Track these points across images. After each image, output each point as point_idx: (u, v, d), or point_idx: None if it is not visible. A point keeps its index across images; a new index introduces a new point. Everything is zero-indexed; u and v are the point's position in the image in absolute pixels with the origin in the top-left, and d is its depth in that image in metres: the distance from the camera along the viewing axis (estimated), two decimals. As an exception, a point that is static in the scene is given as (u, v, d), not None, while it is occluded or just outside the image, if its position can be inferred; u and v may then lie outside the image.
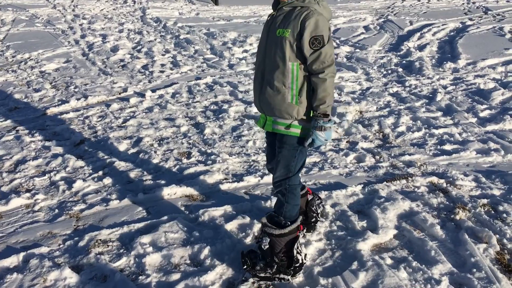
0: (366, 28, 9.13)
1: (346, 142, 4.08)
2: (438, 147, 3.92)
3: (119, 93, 5.40)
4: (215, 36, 8.39)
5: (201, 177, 3.43)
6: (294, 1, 2.21)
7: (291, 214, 2.41)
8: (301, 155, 2.38)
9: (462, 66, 6.27)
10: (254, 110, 4.78)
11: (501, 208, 2.93)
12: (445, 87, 5.44)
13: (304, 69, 2.20)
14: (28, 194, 3.21)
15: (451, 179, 3.34)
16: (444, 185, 3.27)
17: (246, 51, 7.36)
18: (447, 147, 3.90)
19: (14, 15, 10.66)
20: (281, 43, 2.19)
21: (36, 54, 7.13)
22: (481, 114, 4.57)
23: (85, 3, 12.78)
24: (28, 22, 9.84)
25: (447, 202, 3.05)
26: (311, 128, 2.23)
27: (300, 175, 2.50)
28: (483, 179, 3.33)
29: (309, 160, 3.71)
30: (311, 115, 2.25)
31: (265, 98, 2.31)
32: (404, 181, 3.35)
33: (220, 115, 4.68)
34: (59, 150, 3.92)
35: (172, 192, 3.25)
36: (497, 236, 2.66)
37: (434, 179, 3.35)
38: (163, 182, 3.39)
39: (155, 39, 8.25)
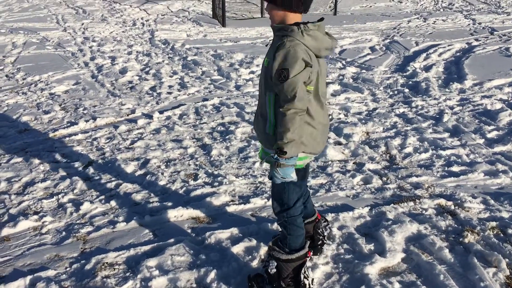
0: (372, 49, 9.18)
1: (353, 163, 4.08)
2: (446, 168, 3.90)
3: (127, 115, 5.45)
4: (222, 58, 8.47)
5: (208, 199, 3.43)
6: (280, 28, 2.16)
7: (295, 244, 2.38)
8: (291, 186, 2.30)
9: (469, 86, 6.27)
10: (260, 131, 4.79)
11: (510, 231, 2.91)
12: (452, 108, 5.43)
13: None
14: (36, 217, 3.23)
15: (459, 201, 3.32)
16: (452, 207, 3.25)
17: (252, 72, 7.42)
18: (455, 168, 3.89)
19: (25, 38, 10.85)
20: (264, 72, 2.19)
21: (46, 76, 7.23)
22: (489, 135, 4.56)
23: (95, 25, 12.99)
24: (39, 45, 10.00)
25: (456, 225, 3.02)
26: (272, 163, 2.16)
27: (301, 205, 2.45)
28: (492, 202, 3.31)
29: (315, 181, 3.71)
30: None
31: (256, 126, 2.36)
32: (411, 203, 3.33)
33: (227, 136, 4.70)
34: (67, 172, 3.95)
35: (178, 214, 3.26)
36: (507, 260, 2.63)
37: (442, 201, 3.33)
38: (169, 204, 3.40)
39: (163, 61, 8.34)
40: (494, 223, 3.00)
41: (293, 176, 2.16)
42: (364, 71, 7.39)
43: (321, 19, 2.23)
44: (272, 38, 2.28)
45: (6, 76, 7.35)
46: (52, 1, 18.75)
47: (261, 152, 2.39)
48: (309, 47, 2.11)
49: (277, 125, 2.11)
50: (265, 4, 2.22)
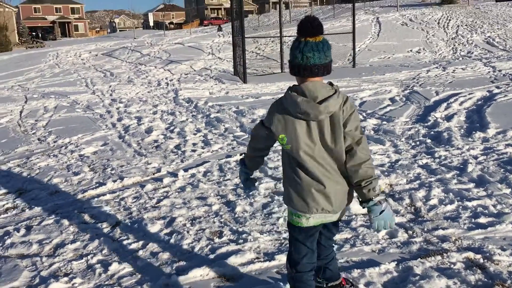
0: (392, 100, 9.28)
1: (378, 217, 4.06)
2: (473, 220, 3.85)
3: (153, 174, 5.59)
4: (244, 114, 8.68)
5: (233, 256, 3.45)
6: None
7: None
8: (298, 243, 2.41)
9: (492, 135, 6.25)
10: (284, 186, 4.85)
11: (542, 284, 2.83)
12: (475, 158, 5.41)
13: (284, 153, 2.40)
14: (66, 279, 3.30)
15: (488, 254, 3.26)
16: (481, 260, 3.19)
17: (275, 127, 7.55)
18: (482, 220, 3.83)
19: (56, 102, 11.36)
20: None
21: (76, 138, 7.52)
22: (515, 184, 4.50)
23: (122, 87, 13.53)
24: (69, 108, 10.45)
25: (485, 279, 2.96)
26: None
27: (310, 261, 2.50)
28: (522, 254, 3.24)
29: (340, 236, 3.70)
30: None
31: None
32: (439, 257, 3.28)
33: (251, 193, 4.76)
34: (96, 232, 4.04)
35: (204, 273, 3.28)
36: (541, 315, 2.55)
37: (470, 254, 3.28)
38: (195, 262, 3.43)
39: (187, 119, 8.59)
40: (525, 276, 2.93)
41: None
42: (385, 122, 7.45)
43: (331, 83, 2.33)
44: None
45: (38, 139, 7.67)
46: (82, 65, 19.69)
47: None
48: (285, 106, 2.30)
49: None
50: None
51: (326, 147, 2.29)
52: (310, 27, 2.25)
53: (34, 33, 55.86)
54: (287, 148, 2.31)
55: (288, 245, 2.54)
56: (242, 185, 2.60)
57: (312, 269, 2.47)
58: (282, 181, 2.50)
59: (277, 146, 6.56)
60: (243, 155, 2.70)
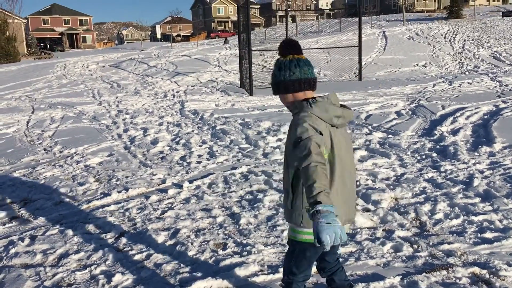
0: (398, 113, 9.27)
1: (382, 230, 4.05)
2: (479, 235, 3.82)
3: (158, 185, 5.59)
4: (250, 126, 8.69)
5: (237, 269, 3.44)
6: (294, 108, 2.38)
7: None
8: (300, 258, 2.45)
9: (498, 150, 6.22)
10: (288, 199, 4.84)
11: (550, 301, 2.80)
12: (481, 172, 5.38)
13: (299, 175, 2.28)
14: (69, 289, 3.29)
15: (493, 269, 3.23)
16: (487, 276, 3.16)
17: (280, 139, 7.56)
18: (488, 235, 3.80)
19: (63, 113, 11.43)
20: (285, 151, 2.42)
21: (82, 149, 7.55)
22: (522, 199, 4.47)
23: (128, 98, 13.60)
24: (75, 119, 10.51)
25: (491, 295, 2.93)
26: (314, 224, 1.94)
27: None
28: (528, 269, 3.20)
29: (344, 250, 3.68)
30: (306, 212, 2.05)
31: (283, 202, 2.52)
32: (444, 272, 3.26)
33: (255, 205, 4.75)
34: (100, 243, 4.04)
35: (208, 285, 3.27)
36: (548, 332, 2.51)
37: (476, 269, 3.25)
38: (199, 274, 3.41)
39: (193, 131, 8.61)
40: (532, 293, 2.90)
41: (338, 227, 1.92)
42: (390, 136, 7.44)
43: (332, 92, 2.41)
44: None
45: (44, 149, 7.71)
46: (89, 77, 19.84)
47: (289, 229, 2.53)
48: (319, 117, 2.27)
49: (304, 183, 2.07)
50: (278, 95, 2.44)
51: (349, 155, 2.41)
52: (295, 46, 2.37)
53: (42, 44, 56.50)
54: (325, 156, 2.25)
55: (286, 256, 2.56)
56: (342, 240, 1.91)
57: (305, 280, 2.56)
58: (295, 198, 2.32)
59: (276, 157, 6.50)
60: (319, 204, 1.95)
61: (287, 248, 3.75)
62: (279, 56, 2.39)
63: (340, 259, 3.50)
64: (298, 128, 2.20)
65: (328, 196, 1.98)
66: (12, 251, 3.94)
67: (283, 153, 6.75)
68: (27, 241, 4.12)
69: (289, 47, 2.36)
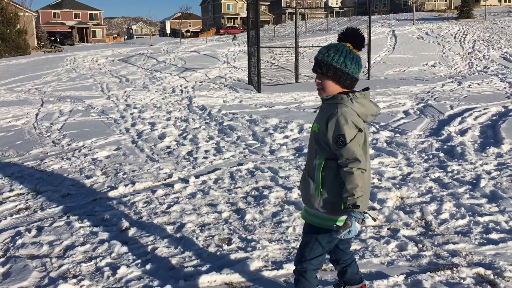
0: (406, 113, 9.24)
1: (387, 229, 4.04)
2: (484, 235, 3.81)
3: (165, 179, 5.62)
4: (257, 123, 8.70)
5: (241, 264, 3.45)
6: (330, 97, 2.38)
7: None
8: (316, 244, 2.46)
9: (506, 151, 6.18)
10: (294, 196, 4.85)
11: (554, 303, 2.78)
12: (489, 173, 5.35)
13: (332, 164, 2.34)
14: (74, 280, 3.33)
15: (498, 270, 3.22)
16: (492, 276, 3.15)
17: (287, 137, 7.56)
18: (494, 235, 3.79)
19: (72, 106, 11.50)
20: (314, 137, 2.41)
21: (90, 142, 7.60)
22: (528, 201, 4.44)
23: (136, 93, 13.65)
24: (84, 112, 10.57)
25: (495, 296, 2.92)
26: (350, 219, 2.29)
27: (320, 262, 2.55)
28: (534, 271, 3.19)
29: (349, 248, 3.68)
30: (342, 207, 2.35)
31: (302, 186, 2.52)
32: (449, 272, 3.25)
33: (261, 201, 4.76)
34: (106, 235, 4.07)
35: (212, 280, 3.29)
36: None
37: (481, 270, 3.24)
38: (204, 269, 3.43)
39: (200, 126, 8.63)
40: (537, 294, 2.89)
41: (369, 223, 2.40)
42: (398, 135, 7.42)
43: (367, 88, 2.44)
44: (320, 106, 2.50)
45: (53, 142, 7.77)
46: (98, 71, 19.93)
47: (304, 212, 2.56)
48: (358, 113, 2.31)
49: (346, 184, 2.28)
50: (316, 76, 2.43)
51: (368, 152, 2.46)
52: (363, 40, 2.46)
53: (52, 38, 56.73)
54: None
55: (301, 244, 2.58)
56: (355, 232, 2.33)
57: (317, 269, 2.56)
58: (323, 186, 2.37)
59: (283, 154, 6.49)
60: (357, 209, 2.29)
61: (292, 244, 3.78)
62: (349, 46, 2.39)
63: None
64: (341, 124, 2.25)
65: (364, 202, 2.29)
66: (19, 241, 3.98)
67: (289, 150, 6.79)
68: (34, 232, 4.16)
69: (362, 43, 2.42)
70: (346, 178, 2.27)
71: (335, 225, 2.37)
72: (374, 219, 2.46)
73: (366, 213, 2.30)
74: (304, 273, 2.51)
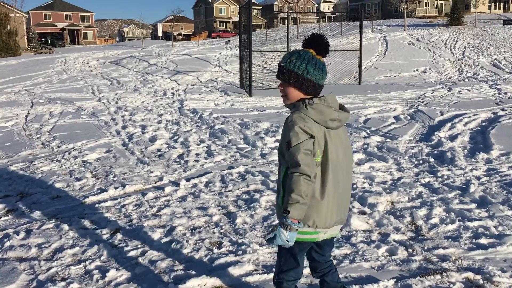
0: (397, 118, 9.29)
1: (378, 233, 4.05)
2: (473, 240, 3.83)
3: (155, 182, 5.59)
4: (248, 126, 8.70)
5: (231, 267, 3.44)
6: (291, 105, 2.37)
7: None
8: (288, 255, 2.45)
9: (496, 156, 6.24)
10: (285, 200, 4.84)
11: (542, 307, 2.80)
12: (478, 178, 5.39)
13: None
14: (63, 283, 3.29)
15: (487, 275, 3.24)
16: (481, 281, 3.17)
17: (278, 140, 7.56)
18: (483, 240, 3.81)
19: (62, 108, 11.42)
20: (279, 148, 2.42)
21: (80, 144, 7.55)
22: (517, 206, 4.48)
23: (127, 96, 13.59)
24: (74, 114, 10.50)
25: (484, 300, 2.93)
26: (278, 224, 2.26)
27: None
28: (522, 276, 3.21)
29: (339, 251, 3.69)
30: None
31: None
32: (438, 276, 3.27)
33: (252, 205, 4.75)
34: (96, 238, 4.04)
35: (202, 283, 3.27)
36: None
37: (470, 275, 3.26)
38: (193, 272, 3.41)
39: (191, 129, 8.61)
40: (525, 299, 2.91)
41: (293, 242, 2.25)
42: (388, 140, 7.46)
43: (330, 94, 2.39)
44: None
45: (42, 144, 7.71)
46: (89, 73, 19.83)
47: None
48: (314, 119, 2.26)
49: (285, 187, 2.25)
50: (280, 83, 2.40)
51: (347, 155, 2.42)
52: (326, 46, 2.35)
53: (43, 39, 56.43)
54: (317, 160, 2.28)
55: (278, 256, 2.57)
56: (288, 244, 2.24)
57: (295, 279, 2.55)
58: (284, 197, 2.31)
59: (274, 158, 6.53)
60: (293, 223, 2.21)
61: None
62: (312, 52, 2.32)
63: (334, 261, 3.51)
64: (289, 131, 2.23)
65: (299, 209, 2.18)
66: (7, 244, 3.93)
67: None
68: (22, 234, 4.11)
69: (326, 49, 2.34)
70: (286, 183, 2.23)
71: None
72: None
73: (299, 224, 2.21)
74: (280, 284, 2.51)
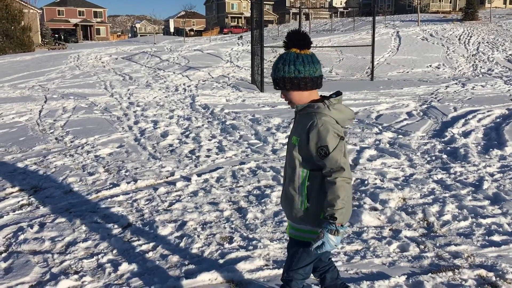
0: (409, 114, 9.22)
1: (389, 230, 4.03)
2: (486, 237, 3.80)
3: (167, 177, 5.62)
4: (259, 122, 8.69)
5: (242, 262, 3.45)
6: (304, 107, 2.30)
7: None
8: (304, 255, 2.41)
9: (510, 153, 6.17)
10: (296, 195, 4.84)
11: (556, 306, 2.77)
12: (492, 175, 5.34)
13: (316, 174, 2.27)
14: (76, 276, 3.33)
15: (500, 272, 3.21)
16: (493, 278, 3.15)
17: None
18: (496, 238, 3.78)
19: (75, 103, 11.52)
20: (294, 150, 2.31)
21: (93, 139, 7.61)
22: (531, 204, 4.43)
23: (140, 91, 13.66)
24: (87, 110, 10.58)
25: (497, 298, 2.91)
26: (323, 230, 2.21)
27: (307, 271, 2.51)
28: (536, 274, 3.18)
29: (350, 247, 3.68)
30: (321, 217, 2.27)
31: (284, 202, 2.44)
32: (450, 273, 3.24)
33: (263, 200, 4.76)
34: (108, 232, 4.08)
35: (213, 278, 3.29)
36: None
37: (483, 272, 3.23)
38: (204, 266, 3.43)
39: (203, 125, 8.63)
40: (539, 297, 2.88)
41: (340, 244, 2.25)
42: (401, 136, 7.40)
43: (339, 93, 2.34)
44: (294, 117, 2.42)
45: (56, 139, 7.78)
46: (101, 68, 19.96)
47: (290, 228, 2.48)
48: (337, 120, 2.24)
49: (327, 194, 2.19)
50: (281, 92, 2.35)
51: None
52: (306, 39, 2.30)
53: (56, 35, 56.86)
54: None
55: (289, 254, 2.54)
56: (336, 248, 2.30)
57: (304, 279, 2.52)
58: (308, 199, 2.29)
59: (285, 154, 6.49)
60: (335, 221, 2.18)
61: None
62: (295, 50, 2.25)
63: (345, 257, 3.51)
64: (323, 135, 2.17)
65: (345, 215, 2.18)
66: (21, 237, 3.99)
67: (292, 150, 6.77)
68: (36, 228, 4.17)
69: (307, 41, 2.27)
70: (329, 188, 2.19)
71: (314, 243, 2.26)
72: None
73: (344, 227, 2.20)
74: (289, 281, 2.48)
